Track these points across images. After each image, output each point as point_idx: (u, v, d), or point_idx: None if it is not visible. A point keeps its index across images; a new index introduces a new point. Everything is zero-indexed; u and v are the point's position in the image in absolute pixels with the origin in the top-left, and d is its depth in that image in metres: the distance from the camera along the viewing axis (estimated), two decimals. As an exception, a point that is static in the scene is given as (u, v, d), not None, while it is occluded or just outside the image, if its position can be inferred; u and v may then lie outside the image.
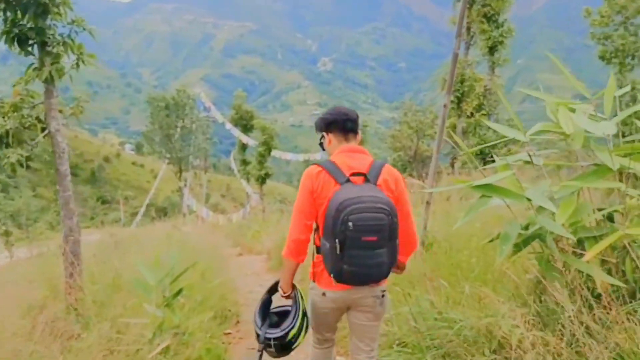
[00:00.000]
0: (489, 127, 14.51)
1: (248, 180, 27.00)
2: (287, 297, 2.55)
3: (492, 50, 15.19)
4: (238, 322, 5.22)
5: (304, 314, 2.51)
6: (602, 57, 15.41)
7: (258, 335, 2.50)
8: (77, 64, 4.16)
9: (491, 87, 15.07)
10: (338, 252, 2.17)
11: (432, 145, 21.80)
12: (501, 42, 15.11)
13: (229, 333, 4.71)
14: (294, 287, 2.55)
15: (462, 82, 15.30)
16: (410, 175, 21.16)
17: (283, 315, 2.56)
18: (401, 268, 2.63)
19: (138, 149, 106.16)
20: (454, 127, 15.72)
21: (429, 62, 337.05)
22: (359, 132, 2.59)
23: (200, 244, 8.21)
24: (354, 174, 2.32)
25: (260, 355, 2.51)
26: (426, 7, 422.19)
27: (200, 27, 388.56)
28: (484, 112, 14.97)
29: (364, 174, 2.33)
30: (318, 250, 2.40)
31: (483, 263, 3.44)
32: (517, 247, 2.41)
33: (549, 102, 2.67)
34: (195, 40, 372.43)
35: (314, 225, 2.39)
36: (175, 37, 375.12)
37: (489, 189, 2.33)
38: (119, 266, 5.04)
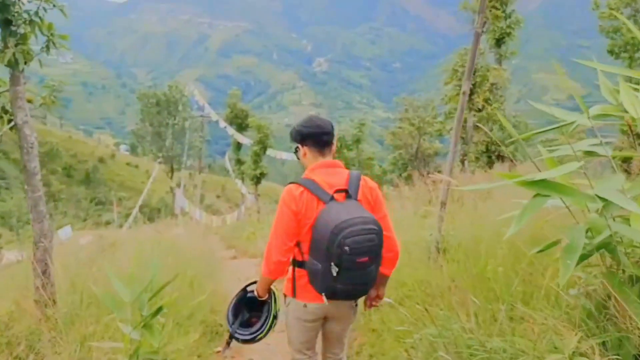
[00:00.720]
0: (494, 122, 13.93)
1: (243, 180, 26.52)
2: (263, 301, 2.65)
3: (499, 42, 14.54)
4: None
5: (275, 317, 2.64)
6: (610, 52, 14.73)
7: (229, 330, 2.67)
8: (48, 47, 3.63)
9: (498, 81, 14.44)
10: (335, 274, 2.21)
11: (434, 143, 21.18)
12: (509, 34, 14.53)
13: (219, 351, 4.21)
14: (269, 291, 2.64)
15: (473, 72, 14.15)
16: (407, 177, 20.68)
17: (253, 308, 2.68)
18: (384, 283, 2.64)
19: (133, 149, 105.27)
20: (464, 121, 14.87)
21: (424, 62, 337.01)
22: (334, 142, 2.58)
23: (191, 247, 7.68)
24: (336, 191, 2.36)
25: (229, 344, 2.77)
26: (421, 8, 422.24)
27: (195, 27, 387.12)
28: (495, 105, 14.23)
29: (345, 190, 2.37)
30: (299, 264, 2.42)
31: (515, 274, 2.94)
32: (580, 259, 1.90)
33: (604, 82, 2.19)
34: (191, 41, 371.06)
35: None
36: (171, 37, 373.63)
37: (545, 186, 1.83)
38: (97, 275, 4.52)
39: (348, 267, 2.20)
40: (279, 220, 2.38)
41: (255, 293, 2.63)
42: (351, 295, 2.39)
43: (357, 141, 21.61)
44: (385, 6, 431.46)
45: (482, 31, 14.41)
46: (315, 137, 2.50)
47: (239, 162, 26.31)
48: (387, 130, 24.19)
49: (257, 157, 22.13)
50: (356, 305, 2.53)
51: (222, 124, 25.90)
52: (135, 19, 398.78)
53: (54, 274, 3.94)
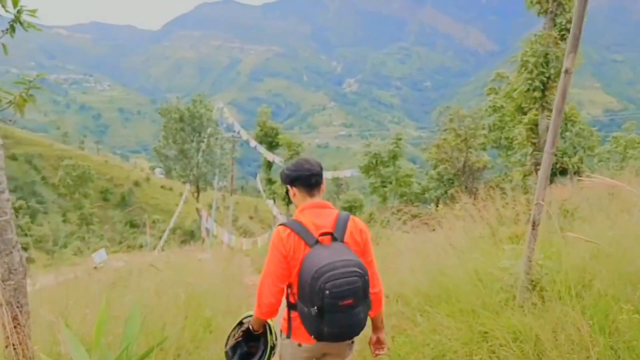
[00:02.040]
0: (570, 125, 12.46)
1: (274, 200, 25.68)
2: (259, 334, 2.70)
3: (561, 38, 12.96)
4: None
5: (272, 349, 2.68)
6: None
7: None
8: (13, 27, 2.83)
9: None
10: (317, 317, 2.24)
11: (483, 156, 19.56)
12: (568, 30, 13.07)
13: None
14: (265, 325, 2.68)
15: (546, 63, 12.13)
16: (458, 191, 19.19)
17: (250, 340, 2.72)
18: (380, 327, 2.67)
19: (167, 172, 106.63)
20: (534, 124, 13.13)
21: (454, 79, 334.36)
22: (323, 182, 2.61)
23: (214, 274, 6.84)
24: (322, 234, 2.38)
25: None
26: (450, 25, 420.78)
27: (227, 52, 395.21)
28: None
29: (331, 234, 2.39)
30: (292, 306, 2.45)
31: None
32: None
33: None
34: (223, 65, 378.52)
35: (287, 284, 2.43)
36: (203, 62, 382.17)
37: None
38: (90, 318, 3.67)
39: (331, 310, 2.22)
40: (270, 262, 2.41)
41: (251, 327, 2.67)
42: (339, 338, 2.38)
43: (394, 157, 20.39)
44: (414, 25, 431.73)
45: (556, 13, 12.25)
46: (303, 179, 2.53)
47: (270, 181, 25.54)
48: (423, 146, 22.81)
49: (287, 177, 21.33)
50: (352, 342, 2.55)
51: (253, 142, 25.23)
52: (169, 46, 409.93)
53: (30, 319, 3.09)
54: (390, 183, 20.20)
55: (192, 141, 31.21)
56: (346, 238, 2.41)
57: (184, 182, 33.81)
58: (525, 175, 13.54)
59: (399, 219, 7.21)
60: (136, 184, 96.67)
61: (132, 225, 73.78)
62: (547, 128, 12.52)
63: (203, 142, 31.33)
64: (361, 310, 2.31)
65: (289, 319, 2.48)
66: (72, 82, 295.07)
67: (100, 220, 74.62)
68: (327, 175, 32.06)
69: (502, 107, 19.11)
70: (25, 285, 3.10)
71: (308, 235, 2.37)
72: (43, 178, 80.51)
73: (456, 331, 3.05)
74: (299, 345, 2.47)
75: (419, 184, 21.19)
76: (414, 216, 6.79)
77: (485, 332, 2.85)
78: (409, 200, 19.64)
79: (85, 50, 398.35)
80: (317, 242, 2.35)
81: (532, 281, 2.95)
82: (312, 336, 2.34)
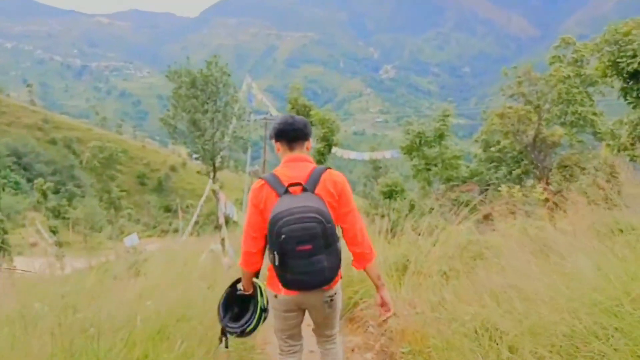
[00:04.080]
0: None
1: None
2: (250, 294, 2.76)
3: None
4: None
5: (262, 310, 2.73)
6: None
7: (221, 325, 2.78)
8: None
9: None
10: (277, 263, 2.34)
11: (554, 129, 16.52)
12: None
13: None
14: (254, 285, 2.74)
15: None
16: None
17: (243, 302, 2.78)
18: (377, 286, 2.66)
19: (174, 145, 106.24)
20: (636, 125, 10.85)
21: (494, 65, 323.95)
22: (308, 140, 2.66)
23: (219, 273, 5.72)
24: (291, 185, 2.44)
25: (225, 340, 2.80)
26: (491, 10, 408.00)
27: (263, 39, 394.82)
28: None
29: (300, 184, 2.45)
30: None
31: None
32: None
33: None
34: (259, 52, 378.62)
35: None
36: (240, 49, 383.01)
37: None
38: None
39: (289, 255, 2.30)
40: (247, 212, 2.57)
41: (242, 288, 2.75)
42: (302, 286, 2.42)
43: (441, 136, 18.02)
44: (453, 11, 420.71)
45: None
46: (284, 133, 2.62)
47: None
48: (475, 137, 19.91)
49: (322, 157, 19.41)
50: (331, 300, 2.59)
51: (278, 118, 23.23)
52: (207, 33, 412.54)
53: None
54: (436, 165, 18.05)
55: (207, 111, 25.45)
56: (318, 189, 2.45)
57: (197, 159, 28.50)
58: (619, 150, 11.02)
59: (454, 205, 6.16)
60: (173, 169, 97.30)
61: (167, 209, 74.09)
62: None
63: (219, 112, 25.86)
64: (323, 259, 2.33)
65: (269, 270, 2.56)
66: (113, 69, 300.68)
67: (137, 205, 75.13)
68: (364, 156, 29.77)
69: (568, 77, 16.63)
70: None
71: (279, 186, 2.45)
72: (81, 162, 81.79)
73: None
74: (275, 296, 2.60)
75: (467, 166, 19.02)
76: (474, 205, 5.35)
77: None
78: (455, 186, 17.33)
79: (126, 37, 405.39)
80: (286, 191, 2.42)
81: None
82: (281, 284, 2.44)
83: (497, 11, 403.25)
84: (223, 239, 19.03)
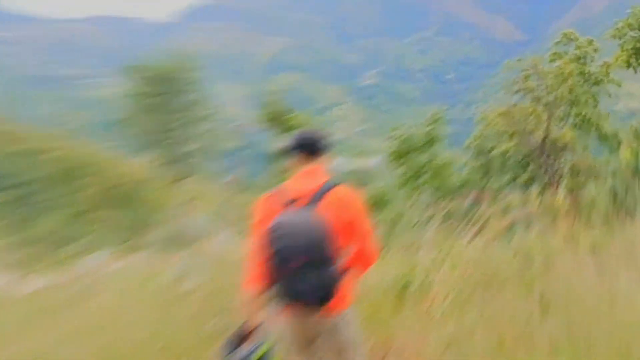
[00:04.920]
0: None
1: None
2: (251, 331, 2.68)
3: None
4: None
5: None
6: None
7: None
8: None
9: None
10: (273, 276, 2.33)
11: (564, 131, 14.40)
12: None
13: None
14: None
15: None
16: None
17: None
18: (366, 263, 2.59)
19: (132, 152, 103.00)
20: None
21: (480, 71, 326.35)
22: (325, 152, 2.67)
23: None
24: (295, 199, 2.42)
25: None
26: (476, 15, 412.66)
27: (241, 44, 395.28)
28: None
29: (304, 197, 2.43)
30: None
31: None
32: None
33: None
34: (236, 58, 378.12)
35: None
36: (217, 55, 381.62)
37: None
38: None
39: (279, 268, 2.27)
40: (250, 225, 2.64)
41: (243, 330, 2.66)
42: (294, 300, 2.35)
43: (431, 141, 15.32)
44: (437, 15, 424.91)
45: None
46: (305, 144, 2.63)
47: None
48: (468, 142, 17.52)
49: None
50: (337, 326, 2.49)
51: (254, 127, 20.61)
52: (182, 39, 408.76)
53: None
54: (426, 173, 15.39)
55: (172, 110, 22.03)
56: (322, 205, 2.40)
57: (160, 166, 24.92)
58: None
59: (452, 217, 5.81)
60: (142, 180, 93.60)
61: (137, 224, 70.36)
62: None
63: (186, 111, 22.83)
64: (316, 276, 2.26)
65: None
66: (80, 77, 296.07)
67: (106, 219, 71.40)
68: (345, 166, 29.75)
69: (578, 73, 14.40)
70: None
71: (283, 199, 2.44)
72: (45, 174, 77.52)
73: None
74: (279, 314, 2.66)
75: (459, 175, 16.51)
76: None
77: None
78: (445, 196, 14.92)
79: (94, 44, 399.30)
80: (287, 205, 2.41)
81: None
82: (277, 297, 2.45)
83: (483, 15, 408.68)
84: (190, 257, 15.93)
